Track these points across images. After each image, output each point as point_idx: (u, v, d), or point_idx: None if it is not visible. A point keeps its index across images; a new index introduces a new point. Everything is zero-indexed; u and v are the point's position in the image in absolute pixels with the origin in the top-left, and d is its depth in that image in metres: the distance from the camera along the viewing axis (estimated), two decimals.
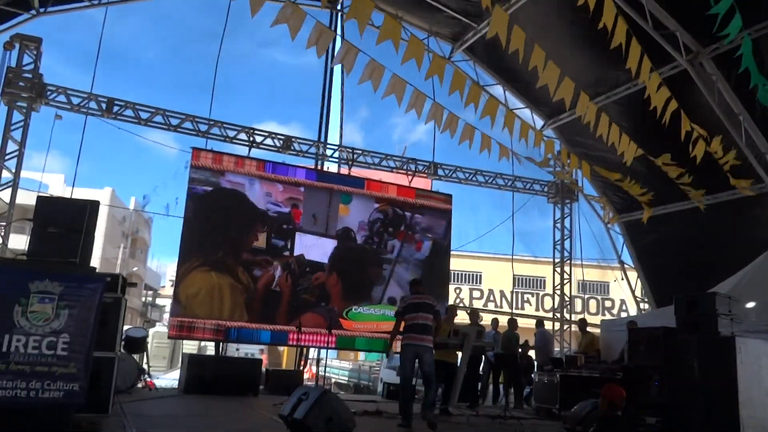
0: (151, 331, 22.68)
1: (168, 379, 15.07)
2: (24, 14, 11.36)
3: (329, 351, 17.13)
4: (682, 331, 8.41)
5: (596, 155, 14.56)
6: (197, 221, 10.96)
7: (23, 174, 11.29)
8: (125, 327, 10.98)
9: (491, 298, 29.71)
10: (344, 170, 14.07)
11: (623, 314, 24.64)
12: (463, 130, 9.07)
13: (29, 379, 4.62)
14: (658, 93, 8.69)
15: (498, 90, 15.55)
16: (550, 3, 12.05)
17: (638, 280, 16.52)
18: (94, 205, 5.30)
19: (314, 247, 11.95)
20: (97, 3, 12.18)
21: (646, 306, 16.28)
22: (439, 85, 8.57)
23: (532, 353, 12.79)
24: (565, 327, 16.26)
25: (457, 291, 29.48)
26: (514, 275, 18.08)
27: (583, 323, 12.50)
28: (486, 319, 13.27)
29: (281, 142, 13.44)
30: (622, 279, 16.86)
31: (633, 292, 16.84)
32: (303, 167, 12.92)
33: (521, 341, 12.13)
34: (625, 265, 16.74)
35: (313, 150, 13.96)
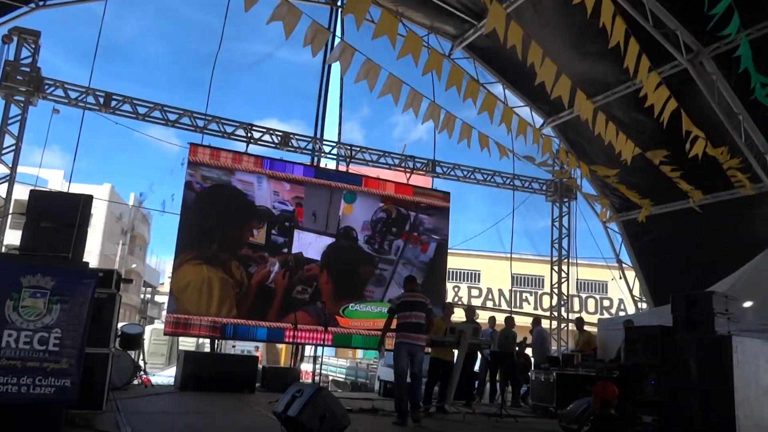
0: (149, 327, 22.65)
1: (165, 375, 15.02)
2: (23, 7, 11.29)
3: (326, 348, 17.15)
4: (679, 329, 8.39)
5: (596, 154, 14.55)
6: (193, 216, 10.92)
7: (24, 170, 11.26)
8: (121, 323, 10.99)
9: (490, 296, 29.70)
10: (342, 167, 14.03)
11: (621, 313, 24.59)
12: (462, 129, 9.06)
13: (20, 375, 4.57)
14: (656, 92, 8.67)
15: (498, 88, 15.51)
16: (550, 1, 12.01)
17: (636, 279, 16.49)
18: (87, 200, 5.25)
19: (312, 245, 11.91)
20: None
21: (644, 305, 16.26)
22: (437, 84, 8.56)
23: (529, 351, 12.77)
24: (563, 325, 16.25)
25: (456, 289, 29.47)
26: (512, 274, 18.05)
27: (580, 322, 12.50)
28: (484, 318, 13.24)
29: (279, 138, 13.39)
30: (620, 278, 16.83)
31: (631, 291, 16.82)
32: (301, 164, 12.88)
33: (519, 339, 12.11)
34: (624, 264, 16.72)
35: (311, 147, 13.93)
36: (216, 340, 11.45)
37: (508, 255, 16.89)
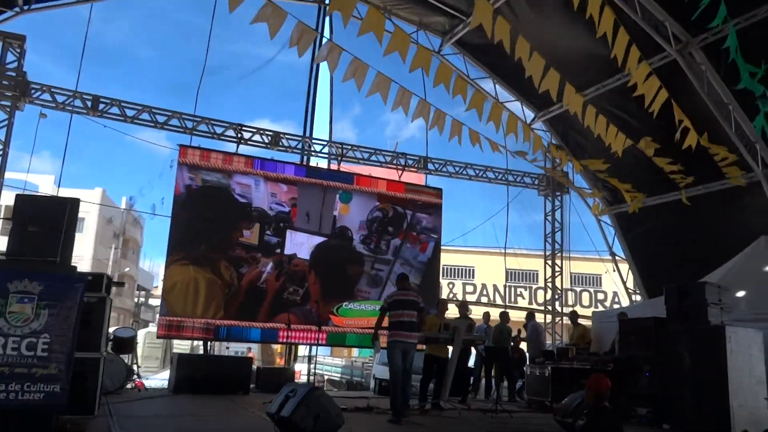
0: (144, 331, 22.57)
1: (159, 379, 14.96)
2: (7, 11, 11.20)
3: (321, 348, 17.10)
4: (673, 321, 8.42)
5: (589, 146, 14.56)
6: (183, 218, 10.86)
7: (14, 175, 11.14)
8: (114, 327, 10.92)
9: (484, 292, 29.72)
10: (334, 166, 13.98)
11: (616, 306, 24.66)
12: (452, 126, 9.04)
13: (8, 381, 4.53)
14: (646, 83, 8.66)
15: (489, 84, 15.50)
16: None
17: (630, 271, 16.52)
18: (74, 203, 5.20)
19: (304, 245, 11.85)
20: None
21: (638, 297, 16.29)
22: (428, 81, 8.53)
23: (523, 346, 12.78)
24: (557, 319, 16.26)
25: (451, 286, 29.49)
26: (506, 269, 18.05)
27: (574, 315, 12.50)
28: (478, 313, 13.22)
29: (269, 138, 13.33)
30: (614, 270, 16.86)
31: (624, 283, 16.85)
32: (292, 163, 12.84)
33: (513, 333, 12.11)
34: (617, 257, 16.75)
35: (302, 146, 13.87)
36: (209, 342, 11.38)
37: (502, 250, 16.90)
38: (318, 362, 19.85)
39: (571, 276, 19.00)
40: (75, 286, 4.93)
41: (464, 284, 30.05)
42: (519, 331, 12.36)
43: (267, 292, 11.33)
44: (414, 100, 8.15)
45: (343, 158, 14.00)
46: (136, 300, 40.99)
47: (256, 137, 13.25)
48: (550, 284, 16.48)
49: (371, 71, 7.45)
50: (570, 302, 25.30)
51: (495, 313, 13.16)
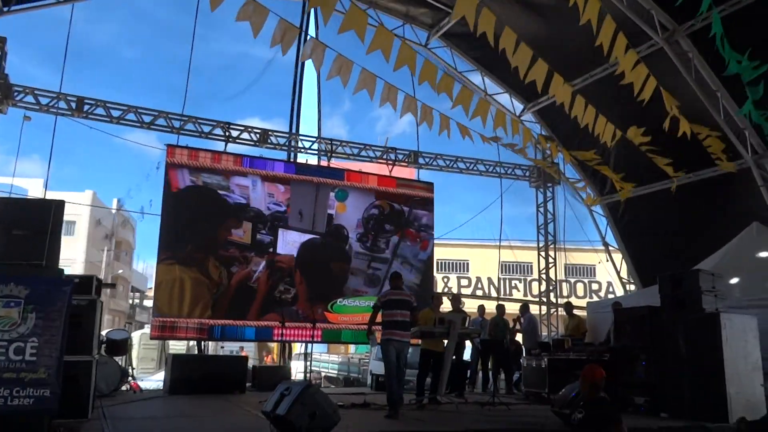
0: (139, 332, 22.41)
1: (156, 380, 14.86)
2: None
3: (318, 345, 17.02)
4: (667, 309, 8.42)
5: (579, 136, 14.53)
6: (173, 218, 10.77)
7: (4, 180, 11.01)
8: (107, 329, 10.83)
9: (479, 285, 29.75)
10: (324, 162, 13.89)
11: (610, 296, 24.70)
12: (441, 120, 8.99)
13: None
14: (634, 71, 8.62)
15: (477, 76, 15.45)
16: None
17: (623, 261, 16.55)
18: (59, 205, 5.12)
19: (296, 244, 11.78)
20: (63, 0, 11.87)
21: (632, 287, 16.32)
22: (416, 76, 8.44)
23: (519, 338, 12.74)
24: (552, 311, 16.27)
25: (445, 280, 29.50)
26: (501, 262, 18.02)
27: (569, 306, 12.50)
28: (473, 306, 13.20)
29: (258, 135, 13.24)
30: (607, 261, 16.87)
31: (618, 273, 16.87)
32: (281, 161, 12.75)
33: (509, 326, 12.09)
34: (610, 247, 16.76)
35: (293, 144, 13.78)
36: (202, 342, 11.30)
37: (496, 243, 16.89)
38: (314, 359, 19.80)
39: (565, 267, 19.01)
40: (62, 289, 4.86)
41: (459, 278, 30.06)
42: (515, 322, 12.32)
43: (258, 290, 11.24)
44: (401, 96, 8.09)
45: (333, 154, 13.91)
46: (130, 302, 40.85)
47: (245, 135, 13.15)
48: (544, 276, 16.48)
49: (356, 68, 7.38)
50: (565, 293, 25.32)
51: (489, 306, 13.14)
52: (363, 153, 14.38)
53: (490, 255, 20.06)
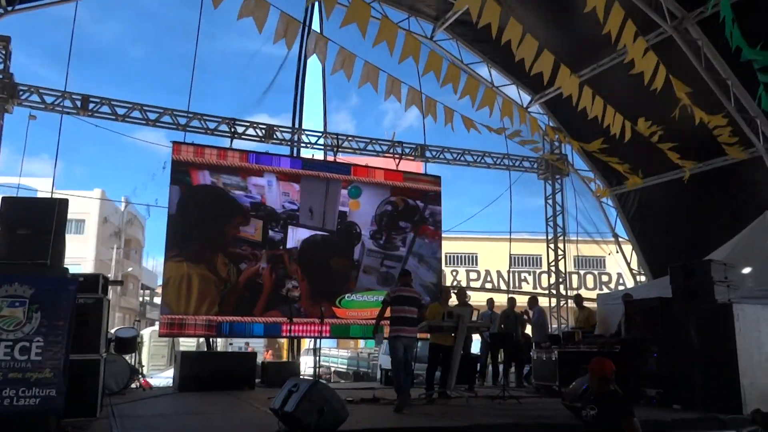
0: (149, 330, 22.47)
1: (166, 377, 14.90)
2: None
3: (327, 340, 16.99)
4: (679, 300, 8.32)
5: (589, 127, 14.38)
6: (181, 216, 10.72)
7: (13, 180, 11.03)
8: (116, 328, 10.84)
9: (488, 278, 29.69)
10: (331, 157, 13.83)
11: (620, 287, 24.60)
12: (446, 113, 8.91)
13: (2, 387, 4.44)
14: (644, 58, 8.49)
15: (483, 69, 15.32)
16: None
17: (633, 252, 16.42)
18: (62, 204, 5.09)
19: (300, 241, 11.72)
20: None
21: (643, 278, 16.19)
22: (421, 69, 8.35)
23: (528, 331, 12.67)
24: (562, 303, 16.17)
25: (454, 273, 29.48)
26: (510, 254, 17.95)
27: (578, 298, 12.43)
28: (482, 299, 13.12)
29: (263, 131, 13.19)
30: (617, 252, 16.75)
31: (628, 264, 16.75)
32: (288, 156, 12.67)
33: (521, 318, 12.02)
34: (620, 238, 16.63)
35: (296, 138, 13.72)
36: (211, 339, 11.28)
37: (504, 236, 16.79)
38: (324, 354, 19.82)
39: (574, 259, 18.89)
40: (67, 288, 4.84)
41: (468, 271, 30.00)
42: (525, 312, 12.26)
43: (264, 287, 11.18)
44: (405, 88, 8.01)
45: (339, 149, 13.84)
46: (140, 299, 41.05)
47: (250, 131, 13.11)
48: (553, 268, 16.37)
49: (360, 61, 7.32)
50: (574, 285, 25.21)
51: (498, 299, 13.07)
52: (369, 147, 14.30)
53: (499, 248, 19.97)
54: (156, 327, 24.36)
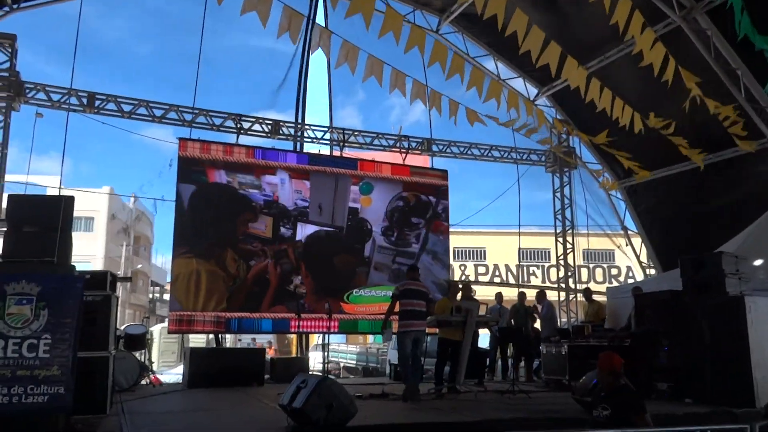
0: (159, 326, 22.56)
1: (176, 373, 14.96)
2: None
3: (334, 335, 16.97)
4: (689, 293, 8.24)
5: (598, 119, 14.27)
6: (190, 212, 10.72)
7: (22, 178, 11.09)
8: (125, 324, 10.87)
9: (497, 272, 29.60)
10: (337, 152, 13.79)
11: (630, 281, 24.47)
12: (450, 106, 8.85)
13: (11, 384, 4.45)
14: (653, 50, 8.38)
15: (490, 62, 15.23)
16: None
17: (642, 245, 16.30)
18: (68, 201, 5.08)
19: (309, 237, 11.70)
20: None
21: (653, 271, 16.08)
22: (427, 62, 8.27)
23: (537, 325, 12.61)
24: (571, 297, 16.09)
25: (462, 268, 29.38)
26: (519, 248, 17.86)
27: (588, 292, 12.35)
28: (491, 294, 13.08)
29: (270, 127, 13.17)
30: (626, 245, 16.64)
31: (638, 257, 16.64)
32: (294, 152, 12.63)
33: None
34: (629, 231, 16.52)
35: (302, 133, 13.69)
36: (220, 335, 11.29)
37: (512, 230, 16.70)
38: (333, 350, 19.81)
39: (583, 252, 18.79)
40: (74, 286, 4.84)
41: (476, 266, 29.92)
42: (535, 306, 12.20)
43: (272, 283, 11.16)
44: (409, 81, 7.95)
45: (345, 143, 13.80)
46: (150, 296, 41.22)
47: (256, 126, 13.09)
48: (562, 262, 16.29)
49: (363, 54, 7.25)
50: (584, 279, 25.09)
51: (507, 294, 13.01)
52: (375, 142, 14.26)
53: (507, 242, 19.91)
54: (166, 323, 24.49)
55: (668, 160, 13.48)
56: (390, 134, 14.51)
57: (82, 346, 5.13)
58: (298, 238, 11.54)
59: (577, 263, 16.75)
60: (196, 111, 12.59)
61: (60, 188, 12.12)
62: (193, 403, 8.24)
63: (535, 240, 23.88)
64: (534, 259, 28.85)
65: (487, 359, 11.85)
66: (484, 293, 14.53)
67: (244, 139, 12.78)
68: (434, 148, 14.82)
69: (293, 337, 21.27)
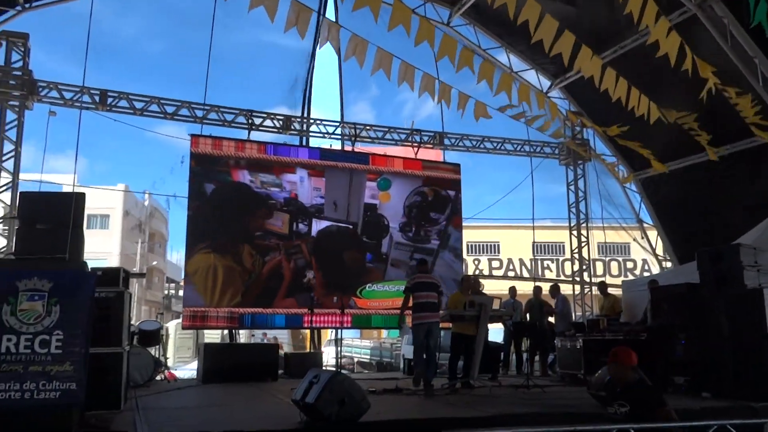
0: (175, 322, 22.68)
1: (191, 369, 15.03)
2: (9, 11, 11.11)
3: (348, 330, 16.98)
4: (707, 285, 8.13)
5: (612, 110, 14.10)
6: (205, 210, 10.75)
7: (37, 176, 11.16)
8: (140, 321, 10.93)
9: (511, 267, 29.47)
10: (348, 147, 13.76)
11: (646, 274, 24.23)
12: (459, 99, 8.74)
13: (23, 380, 4.47)
14: (668, 39, 8.22)
15: (502, 54, 15.10)
16: None
17: (658, 237, 16.12)
18: (80, 198, 5.09)
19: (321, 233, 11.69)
20: None
21: (669, 264, 15.91)
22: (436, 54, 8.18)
23: (551, 319, 12.53)
24: (586, 290, 15.96)
25: (476, 262, 29.27)
26: (534, 242, 17.75)
27: (603, 286, 12.24)
28: (504, 288, 13.00)
29: (281, 122, 13.16)
30: (642, 238, 16.46)
31: (654, 250, 16.46)
32: (306, 147, 12.61)
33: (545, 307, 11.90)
34: (645, 224, 16.34)
35: (313, 129, 13.67)
36: (234, 331, 11.32)
37: (526, 224, 16.58)
38: (347, 345, 19.83)
39: (598, 246, 18.64)
40: (86, 282, 4.85)
41: (490, 260, 29.80)
42: (548, 305, 12.12)
43: (286, 279, 11.16)
44: (418, 74, 7.86)
45: (357, 138, 13.76)
46: (165, 292, 41.55)
47: (267, 122, 13.08)
48: (576, 255, 16.15)
49: (373, 48, 7.18)
50: (599, 272, 24.89)
51: (521, 288, 12.92)
52: (387, 136, 14.20)
53: (521, 235, 19.76)
54: (181, 319, 24.63)
55: (683, 151, 13.30)
56: (402, 128, 14.45)
57: (95, 342, 5.14)
58: (312, 234, 11.54)
59: (592, 257, 16.59)
60: (208, 107, 12.62)
61: (74, 186, 12.18)
62: (207, 398, 8.26)
63: (549, 233, 23.66)
64: (548, 252, 28.67)
65: (501, 354, 11.79)
66: (498, 287, 14.45)
67: (255, 135, 12.80)
68: (446, 141, 14.74)
69: (307, 332, 21.36)
